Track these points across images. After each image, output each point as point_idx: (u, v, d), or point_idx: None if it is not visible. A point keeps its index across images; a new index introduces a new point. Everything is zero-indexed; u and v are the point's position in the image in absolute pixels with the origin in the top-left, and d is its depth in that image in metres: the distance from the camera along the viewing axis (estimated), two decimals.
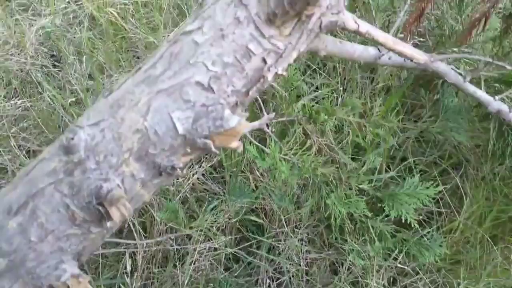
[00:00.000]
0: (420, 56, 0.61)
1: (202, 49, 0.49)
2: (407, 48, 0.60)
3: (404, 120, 1.08)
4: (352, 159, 1.07)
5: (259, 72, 0.52)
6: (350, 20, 0.56)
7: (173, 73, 0.50)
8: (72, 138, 0.49)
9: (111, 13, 1.43)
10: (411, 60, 0.62)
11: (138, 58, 1.44)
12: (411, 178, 0.85)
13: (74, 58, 1.42)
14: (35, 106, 1.30)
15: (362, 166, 1.06)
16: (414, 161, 1.10)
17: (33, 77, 1.39)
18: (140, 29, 1.37)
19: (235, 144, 0.52)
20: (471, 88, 0.68)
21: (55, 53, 1.49)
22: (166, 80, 0.50)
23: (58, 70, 1.44)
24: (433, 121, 0.95)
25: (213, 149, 0.51)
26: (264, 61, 0.51)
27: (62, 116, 1.28)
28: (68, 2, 1.61)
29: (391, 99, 1.04)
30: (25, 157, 1.21)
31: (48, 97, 1.29)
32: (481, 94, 0.70)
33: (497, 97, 0.71)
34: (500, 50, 0.61)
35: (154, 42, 1.35)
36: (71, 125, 0.52)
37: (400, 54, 0.61)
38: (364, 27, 0.57)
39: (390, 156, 1.15)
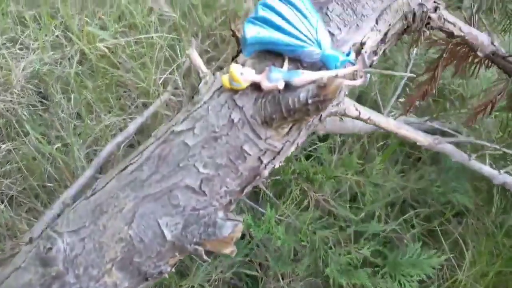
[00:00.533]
0: (424, 139, 0.58)
1: (193, 151, 0.45)
2: (410, 132, 0.57)
3: (404, 171, 1.05)
4: (350, 207, 1.04)
5: (255, 170, 0.48)
6: (351, 108, 0.53)
7: (161, 177, 0.45)
8: (50, 248, 0.45)
9: (102, 48, 1.38)
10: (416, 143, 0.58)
11: (126, 95, 1.39)
12: (413, 244, 0.81)
13: (62, 97, 1.37)
14: (19, 149, 1.25)
15: (362, 222, 1.02)
16: (415, 213, 1.06)
17: (18, 117, 1.34)
18: (132, 70, 1.32)
19: (229, 249, 0.48)
20: (477, 165, 0.65)
21: (42, 91, 1.44)
22: (153, 184, 0.46)
23: (45, 109, 1.39)
24: (434, 179, 0.91)
25: (204, 256, 0.47)
26: (260, 160, 0.47)
27: (48, 159, 1.23)
28: (57, 36, 1.56)
29: (390, 149, 1.01)
30: (7, 207, 1.15)
31: (34, 140, 1.23)
32: (486, 170, 0.67)
33: (502, 171, 0.68)
34: (506, 132, 0.58)
35: (143, 82, 1.31)
36: (49, 229, 0.47)
37: (403, 137, 0.57)
38: (365, 113, 0.54)
39: (390, 203, 1.11)
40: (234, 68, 0.42)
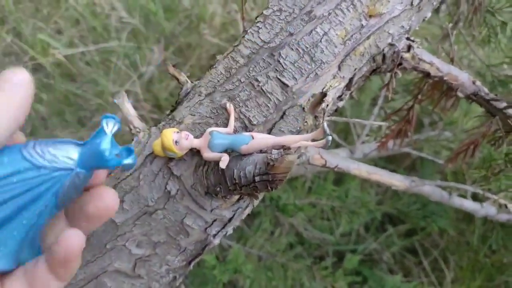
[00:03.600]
0: (400, 183, 0.51)
1: (122, 229, 0.37)
2: (384, 176, 0.50)
3: (380, 193, 0.99)
4: (325, 230, 0.98)
5: (202, 243, 0.40)
6: (316, 157, 0.46)
7: (85, 262, 0.37)
8: None
9: (57, 56, 1.27)
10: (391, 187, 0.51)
11: (85, 107, 1.28)
12: (392, 276, 0.75)
13: None
14: None
15: (339, 244, 0.97)
16: (395, 230, 1.01)
17: None
18: (90, 80, 1.22)
19: None
20: (458, 202, 0.59)
21: None
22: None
23: None
24: (413, 201, 0.86)
25: None
26: (207, 232, 0.39)
27: None
28: (10, 46, 1.43)
29: None
30: None
31: None
32: (468, 205, 0.61)
33: (484, 204, 0.62)
34: (488, 170, 0.53)
35: (102, 93, 1.21)
36: None
37: (377, 183, 0.50)
38: (332, 161, 0.46)
39: (369, 221, 1.06)
40: (167, 135, 0.34)
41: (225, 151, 0.34)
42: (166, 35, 1.23)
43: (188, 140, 0.34)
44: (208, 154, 0.34)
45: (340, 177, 0.95)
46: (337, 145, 0.70)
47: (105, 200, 0.30)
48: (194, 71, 1.27)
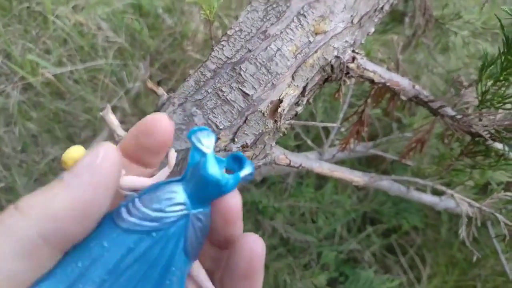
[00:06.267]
0: (359, 179, 0.57)
1: None
2: (345, 173, 0.56)
3: (356, 193, 1.05)
4: (312, 220, 1.03)
5: None
6: (281, 157, 0.51)
7: None
8: None
9: (46, 75, 1.32)
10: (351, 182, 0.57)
11: (74, 124, 1.33)
12: (365, 270, 0.81)
13: (5, 130, 1.30)
14: None
15: (320, 244, 1.02)
16: (373, 230, 1.06)
17: None
18: (79, 97, 1.27)
19: None
20: (416, 195, 0.65)
21: None
22: None
23: None
24: (385, 201, 0.92)
25: None
26: None
27: None
28: (0, 67, 1.48)
29: None
30: None
31: None
32: (426, 198, 0.67)
33: (443, 197, 0.68)
34: (440, 165, 0.59)
35: (90, 110, 1.26)
36: None
37: (339, 179, 0.56)
38: (296, 161, 0.52)
39: (349, 221, 1.11)
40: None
41: None
42: (151, 52, 1.29)
43: None
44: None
45: (321, 183, 1.01)
46: (308, 148, 0.76)
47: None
48: (179, 85, 1.34)
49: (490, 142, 0.47)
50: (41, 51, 1.44)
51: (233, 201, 0.25)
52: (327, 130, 0.81)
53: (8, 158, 1.24)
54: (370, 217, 1.16)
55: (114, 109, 1.28)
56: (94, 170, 0.22)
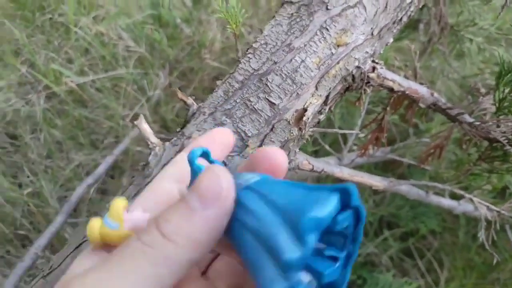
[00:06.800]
0: (379, 183, 0.59)
1: None
2: (365, 178, 0.58)
3: (375, 196, 1.06)
4: None
5: None
6: (304, 162, 0.54)
7: None
8: None
9: (69, 84, 1.37)
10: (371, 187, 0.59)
11: (97, 131, 1.38)
12: (385, 272, 0.82)
13: (31, 137, 1.35)
14: None
15: None
16: (390, 234, 1.07)
17: None
18: (101, 105, 1.31)
19: None
20: (435, 200, 0.67)
21: (11, 131, 1.42)
22: None
23: (16, 150, 1.37)
24: (402, 205, 0.93)
25: None
26: None
27: (19, 204, 1.21)
28: (25, 76, 1.54)
29: None
30: None
31: (4, 186, 1.21)
32: (445, 202, 0.68)
33: (461, 201, 0.70)
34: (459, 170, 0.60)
35: (112, 117, 1.30)
36: None
37: (359, 183, 0.58)
38: (319, 166, 0.54)
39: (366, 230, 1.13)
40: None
41: None
42: (170, 60, 1.33)
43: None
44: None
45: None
46: (325, 153, 0.78)
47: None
48: (197, 92, 1.37)
49: (508, 147, 0.48)
50: (64, 60, 1.49)
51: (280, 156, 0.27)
52: (344, 136, 0.83)
53: (34, 164, 1.29)
54: (387, 221, 1.17)
55: (136, 116, 1.32)
56: (222, 203, 0.23)
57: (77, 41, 1.51)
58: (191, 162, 0.26)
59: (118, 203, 0.26)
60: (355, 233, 0.22)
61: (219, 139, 0.32)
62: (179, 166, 0.30)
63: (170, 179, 0.30)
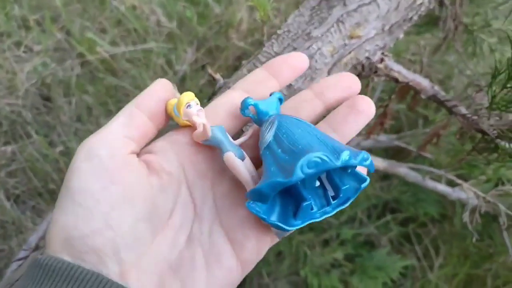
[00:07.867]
0: (379, 164, 0.65)
1: None
2: None
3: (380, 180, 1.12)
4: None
5: None
6: None
7: None
8: None
9: (102, 53, 1.45)
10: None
11: (125, 99, 1.46)
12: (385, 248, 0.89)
13: (64, 100, 1.45)
14: (23, 151, 1.33)
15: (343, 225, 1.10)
16: (392, 217, 1.14)
17: (23, 119, 1.42)
18: (130, 75, 1.39)
19: None
20: (431, 184, 0.73)
21: (46, 93, 1.52)
22: None
23: (49, 111, 1.47)
24: (404, 191, 0.99)
25: None
26: None
27: (51, 161, 1.32)
28: (61, 42, 1.63)
29: None
30: (13, 206, 1.24)
31: (37, 143, 1.32)
32: (441, 188, 0.74)
33: (456, 188, 0.76)
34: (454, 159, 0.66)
35: (141, 87, 1.39)
36: None
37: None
38: None
39: (372, 206, 1.19)
40: (188, 96, 0.33)
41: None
42: (198, 38, 1.40)
43: (198, 115, 0.33)
44: (198, 132, 0.33)
45: None
46: None
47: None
48: (221, 70, 1.44)
49: (498, 140, 0.54)
50: (97, 30, 1.58)
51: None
52: None
53: (65, 126, 1.39)
54: (391, 207, 1.24)
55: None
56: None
57: (112, 12, 1.59)
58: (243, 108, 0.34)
59: (184, 97, 0.33)
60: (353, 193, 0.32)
61: (291, 61, 0.38)
62: (250, 79, 0.39)
63: (240, 90, 0.38)
